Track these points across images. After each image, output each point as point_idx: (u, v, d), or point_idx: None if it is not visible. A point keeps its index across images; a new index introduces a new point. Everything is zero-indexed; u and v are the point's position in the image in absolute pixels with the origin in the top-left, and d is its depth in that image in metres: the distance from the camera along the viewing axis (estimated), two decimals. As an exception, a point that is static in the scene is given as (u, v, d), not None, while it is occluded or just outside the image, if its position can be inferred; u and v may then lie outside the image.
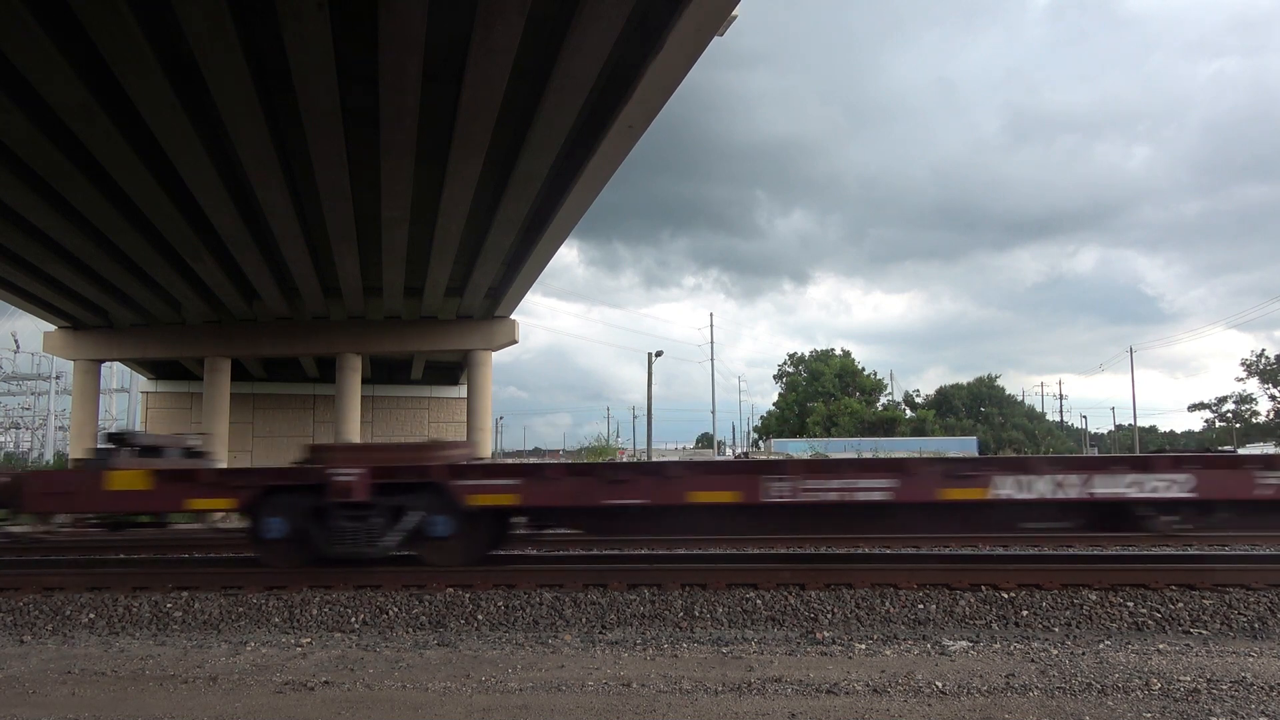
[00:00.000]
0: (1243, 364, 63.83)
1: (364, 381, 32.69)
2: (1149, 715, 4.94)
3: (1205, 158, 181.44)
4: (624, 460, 35.80)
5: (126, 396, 60.30)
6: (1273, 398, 62.46)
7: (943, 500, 8.52)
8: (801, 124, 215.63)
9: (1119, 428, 79.93)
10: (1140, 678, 5.63)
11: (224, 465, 24.50)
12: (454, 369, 39.41)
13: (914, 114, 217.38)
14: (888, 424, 69.04)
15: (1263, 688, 5.40)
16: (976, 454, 52.48)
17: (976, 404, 78.60)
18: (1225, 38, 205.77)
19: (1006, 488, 8.48)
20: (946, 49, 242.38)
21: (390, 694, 5.61)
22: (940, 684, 5.56)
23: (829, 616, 7.59)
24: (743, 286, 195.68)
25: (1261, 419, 62.58)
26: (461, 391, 38.53)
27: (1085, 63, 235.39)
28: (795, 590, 8.06)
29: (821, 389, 74.33)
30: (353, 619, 7.89)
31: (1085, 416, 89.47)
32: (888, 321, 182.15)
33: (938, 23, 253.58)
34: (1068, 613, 7.49)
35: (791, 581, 8.26)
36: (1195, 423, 72.72)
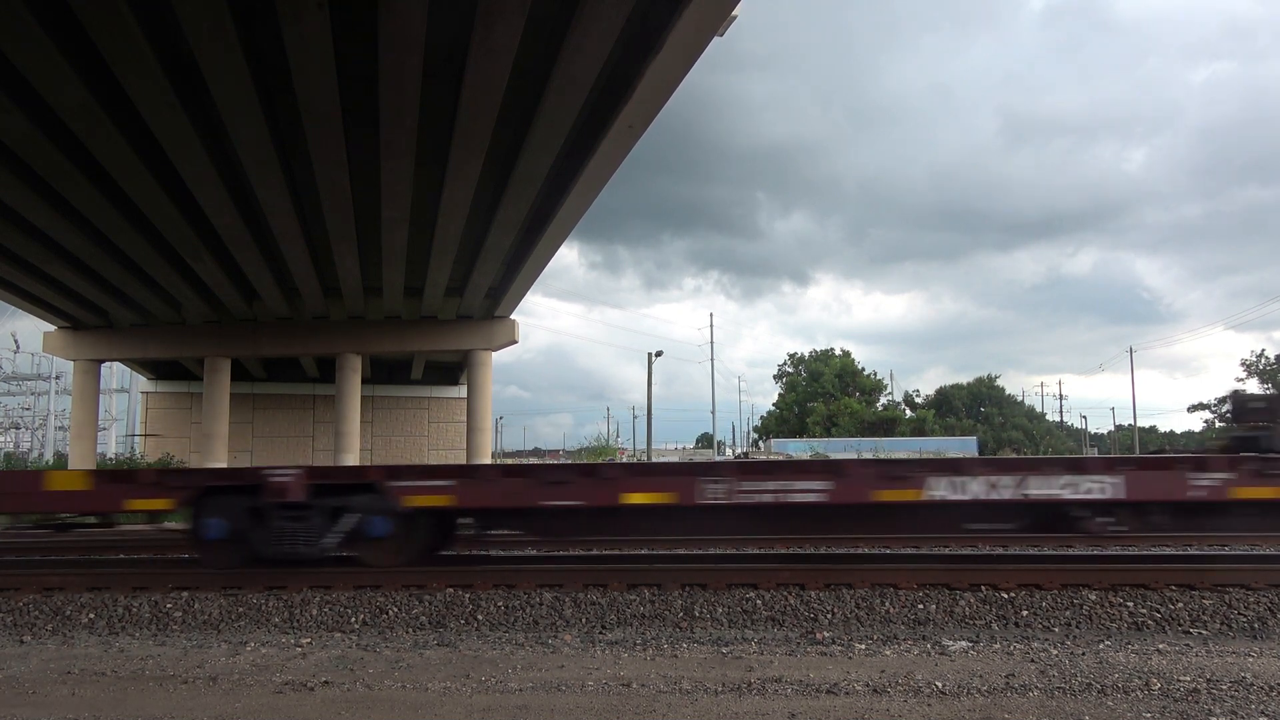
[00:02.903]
0: (1242, 364, 63.84)
1: (364, 381, 32.68)
2: (1149, 715, 4.94)
3: (1202, 161, 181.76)
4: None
5: (126, 396, 60.21)
6: (1273, 398, 62.45)
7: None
8: (801, 126, 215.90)
9: (1119, 428, 79.91)
10: (1140, 678, 5.63)
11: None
12: (454, 369, 39.42)
13: (913, 116, 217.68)
14: (887, 424, 69.04)
15: (1263, 688, 5.40)
16: (976, 454, 52.49)
17: (976, 404, 78.61)
18: (1220, 42, 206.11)
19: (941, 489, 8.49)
20: (944, 53, 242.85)
21: (390, 694, 5.61)
22: (940, 684, 5.56)
23: (829, 616, 7.59)
24: (743, 287, 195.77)
25: (1261, 419, 62.51)
26: (461, 391, 38.53)
27: (1080, 67, 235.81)
28: (795, 590, 8.06)
29: (821, 389, 74.32)
30: (353, 619, 7.89)
31: (1085, 416, 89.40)
32: (888, 322, 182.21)
33: (934, 27, 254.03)
34: (1068, 613, 7.49)
35: (791, 581, 8.27)
36: (1195, 423, 72.68)
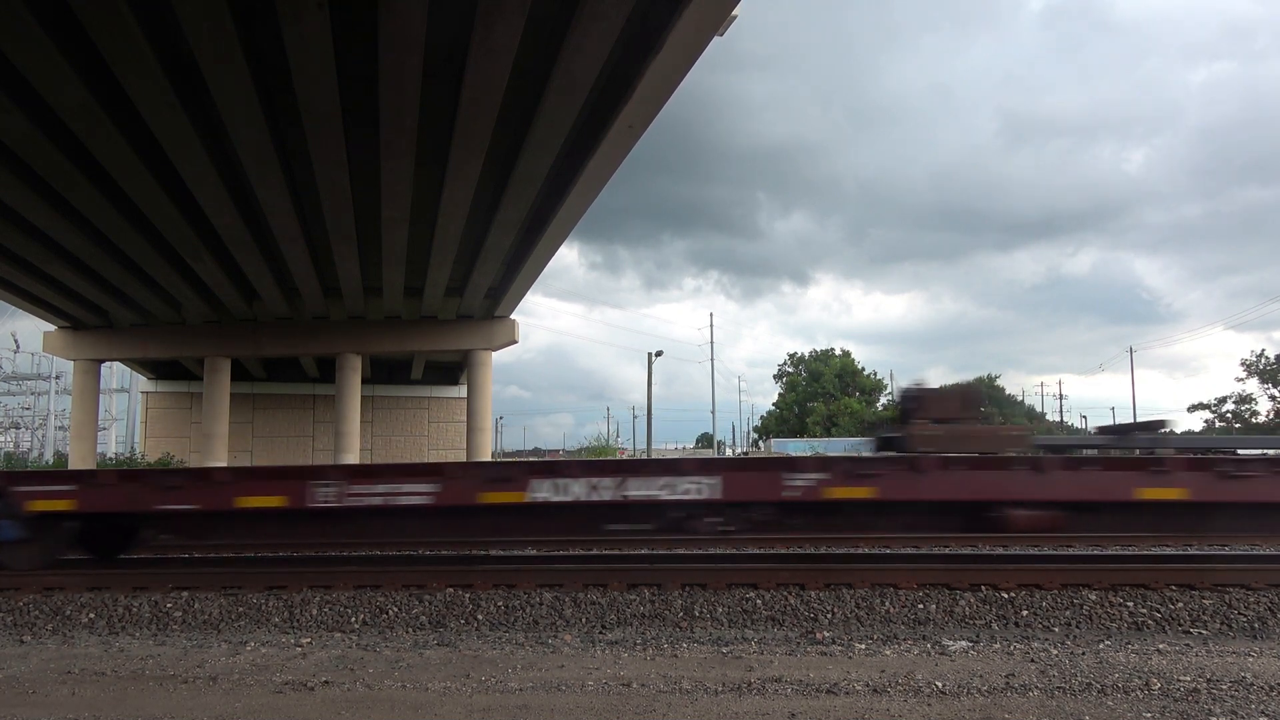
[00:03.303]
0: (1242, 364, 63.73)
1: (364, 381, 32.70)
2: (1149, 715, 4.94)
3: (1202, 161, 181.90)
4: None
5: (126, 396, 60.35)
6: (1273, 398, 62.34)
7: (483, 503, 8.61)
8: (801, 126, 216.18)
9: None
10: (1140, 678, 5.63)
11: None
12: (454, 369, 39.44)
13: (913, 116, 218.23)
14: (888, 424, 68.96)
15: (1263, 688, 5.40)
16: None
17: (977, 404, 78.46)
18: (1220, 42, 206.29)
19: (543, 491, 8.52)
20: (944, 53, 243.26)
21: (390, 694, 5.61)
22: (940, 684, 5.55)
23: (829, 616, 7.59)
24: (743, 287, 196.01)
25: (1261, 419, 62.54)
26: (461, 391, 38.56)
27: (1080, 67, 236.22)
28: (795, 590, 8.05)
29: (821, 389, 74.38)
30: (353, 619, 7.88)
31: (1085, 416, 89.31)
32: (888, 322, 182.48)
33: (934, 27, 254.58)
34: (1068, 613, 7.49)
35: (791, 581, 8.26)
36: (1195, 423, 72.49)
